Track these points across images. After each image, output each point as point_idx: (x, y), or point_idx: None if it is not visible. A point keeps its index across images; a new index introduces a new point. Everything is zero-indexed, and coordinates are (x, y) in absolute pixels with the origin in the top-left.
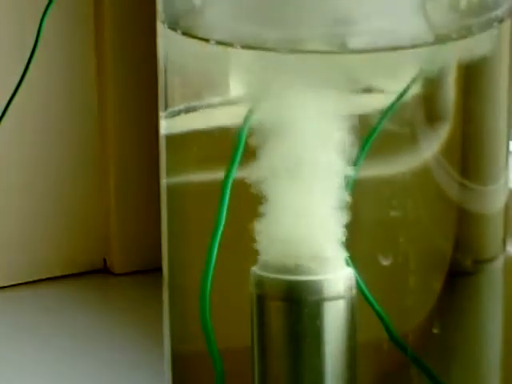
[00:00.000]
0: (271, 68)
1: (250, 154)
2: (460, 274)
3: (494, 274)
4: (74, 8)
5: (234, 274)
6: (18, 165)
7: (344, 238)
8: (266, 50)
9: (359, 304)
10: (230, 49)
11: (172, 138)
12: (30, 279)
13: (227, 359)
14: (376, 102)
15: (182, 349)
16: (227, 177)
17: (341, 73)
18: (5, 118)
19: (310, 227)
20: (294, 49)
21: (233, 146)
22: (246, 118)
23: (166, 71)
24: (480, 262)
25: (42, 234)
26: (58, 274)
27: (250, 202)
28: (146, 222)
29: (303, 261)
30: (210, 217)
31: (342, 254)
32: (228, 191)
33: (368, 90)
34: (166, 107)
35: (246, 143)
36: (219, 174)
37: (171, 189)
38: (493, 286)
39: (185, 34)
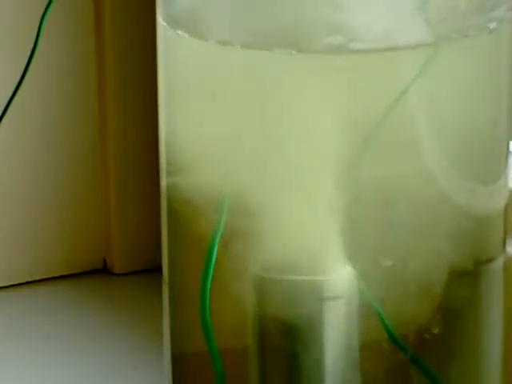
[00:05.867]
0: (271, 68)
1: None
2: (460, 274)
3: (494, 274)
4: (74, 8)
5: (233, 273)
6: (17, 165)
7: (344, 238)
8: (265, 50)
9: (359, 304)
10: (230, 48)
11: (172, 139)
12: (30, 279)
13: (227, 359)
14: (376, 102)
15: (182, 349)
16: (228, 179)
17: (341, 73)
18: (5, 118)
19: (310, 227)
20: (294, 49)
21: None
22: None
23: (166, 71)
24: (480, 262)
25: (42, 234)
26: (58, 274)
27: (250, 203)
28: (146, 222)
29: (303, 261)
30: (211, 217)
31: (342, 254)
32: (228, 193)
33: (369, 91)
34: (167, 107)
35: (247, 146)
36: (219, 175)
37: (171, 189)
38: (493, 286)
39: (185, 33)
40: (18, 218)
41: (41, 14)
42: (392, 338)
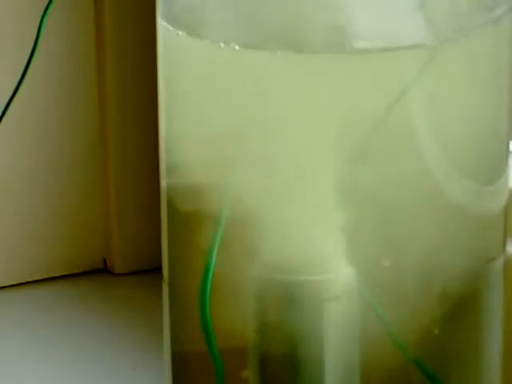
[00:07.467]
0: (270, 68)
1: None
2: (460, 274)
3: (494, 274)
4: (74, 8)
5: (233, 274)
6: (17, 165)
7: (344, 239)
8: (265, 50)
9: (359, 304)
10: (229, 48)
11: (172, 139)
12: (30, 279)
13: (227, 359)
14: (376, 102)
15: (181, 349)
16: (228, 179)
17: (341, 73)
18: (5, 118)
19: (310, 227)
20: (293, 49)
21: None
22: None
23: (166, 71)
24: (480, 262)
25: (42, 233)
26: (58, 274)
27: (250, 203)
28: (146, 222)
29: (303, 261)
30: (211, 217)
31: (342, 254)
32: (228, 193)
33: (368, 91)
34: (167, 107)
35: (247, 146)
36: (219, 175)
37: (171, 189)
38: (493, 286)
39: (185, 33)
40: (18, 217)
41: (41, 14)
42: (392, 338)
